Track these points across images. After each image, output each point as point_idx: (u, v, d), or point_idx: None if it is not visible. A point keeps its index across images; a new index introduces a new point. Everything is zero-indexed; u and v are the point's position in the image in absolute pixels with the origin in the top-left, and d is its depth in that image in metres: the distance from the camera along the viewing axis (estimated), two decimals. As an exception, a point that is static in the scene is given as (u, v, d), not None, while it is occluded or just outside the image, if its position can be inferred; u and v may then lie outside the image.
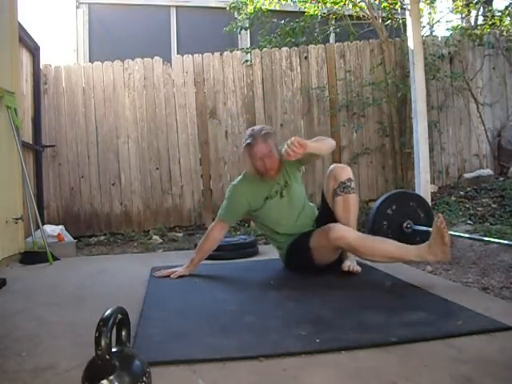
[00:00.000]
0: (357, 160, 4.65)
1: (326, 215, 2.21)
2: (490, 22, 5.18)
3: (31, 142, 3.99)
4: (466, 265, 2.63)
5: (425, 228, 2.69)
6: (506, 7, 5.19)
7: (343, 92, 4.65)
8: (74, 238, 3.72)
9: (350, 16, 5.16)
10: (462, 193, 4.57)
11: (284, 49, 4.71)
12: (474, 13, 6.05)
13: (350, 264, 2.11)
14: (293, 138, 1.94)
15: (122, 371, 0.89)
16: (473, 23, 5.95)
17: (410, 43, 3.37)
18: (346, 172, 2.21)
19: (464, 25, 5.58)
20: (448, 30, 5.17)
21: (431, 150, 4.41)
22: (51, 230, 3.42)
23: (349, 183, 2.18)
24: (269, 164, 2.14)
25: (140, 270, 2.48)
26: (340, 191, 2.17)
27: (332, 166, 2.30)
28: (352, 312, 1.59)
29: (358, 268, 2.12)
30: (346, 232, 2.00)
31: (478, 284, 2.21)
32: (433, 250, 1.89)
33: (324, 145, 2.20)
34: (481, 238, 2.78)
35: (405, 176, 4.53)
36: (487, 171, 4.82)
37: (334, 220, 2.13)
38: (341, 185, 2.18)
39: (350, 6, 5.05)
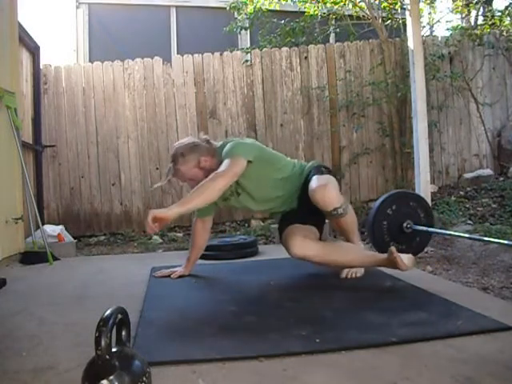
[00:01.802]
0: (357, 160, 4.65)
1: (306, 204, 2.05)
2: (489, 22, 5.18)
3: (31, 142, 3.98)
4: (466, 265, 2.64)
5: (425, 228, 2.70)
6: (506, 7, 5.19)
7: (343, 92, 4.65)
8: (74, 238, 3.72)
9: (350, 16, 5.15)
10: (461, 193, 4.58)
11: (284, 49, 4.71)
12: (474, 13, 6.05)
13: (348, 271, 2.10)
14: (149, 216, 1.71)
15: (122, 371, 0.89)
16: (473, 23, 5.95)
17: (410, 43, 3.37)
18: (330, 202, 1.89)
19: (464, 25, 5.58)
20: (448, 30, 5.17)
21: (431, 150, 4.42)
22: (51, 229, 3.42)
23: (334, 212, 1.91)
24: (199, 179, 1.97)
25: (140, 270, 2.47)
26: (328, 218, 2.05)
27: (311, 187, 1.92)
28: (352, 312, 1.59)
29: (358, 272, 2.08)
30: (306, 251, 1.90)
31: (477, 284, 2.22)
32: (387, 265, 1.89)
33: (204, 193, 1.82)
34: (481, 238, 2.78)
35: (405, 176, 4.53)
36: (487, 171, 4.82)
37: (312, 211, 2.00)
38: (327, 214, 1.96)
39: (350, 5, 5.05)
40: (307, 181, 2.02)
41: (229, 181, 1.88)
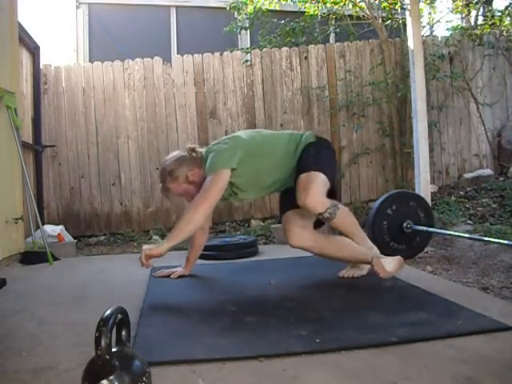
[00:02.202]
0: (357, 160, 4.65)
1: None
2: (489, 22, 5.18)
3: (31, 142, 3.98)
4: (465, 265, 2.64)
5: (425, 228, 2.70)
6: (506, 7, 5.19)
7: (343, 92, 4.65)
8: (74, 238, 3.73)
9: (350, 16, 5.15)
10: (461, 193, 4.58)
11: (284, 49, 4.71)
12: (474, 13, 6.05)
13: (346, 271, 2.09)
14: (142, 254, 1.89)
15: (122, 371, 0.89)
16: (473, 23, 5.95)
17: (410, 43, 3.37)
18: (313, 208, 1.87)
19: (464, 25, 5.58)
20: (448, 30, 5.17)
21: (431, 150, 4.42)
22: (51, 229, 3.42)
23: (321, 217, 1.91)
24: (192, 192, 2.01)
25: (140, 270, 2.45)
26: (325, 219, 1.98)
27: (297, 191, 1.90)
28: (352, 312, 1.59)
29: (357, 273, 2.08)
30: (302, 243, 1.98)
31: (477, 284, 2.22)
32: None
33: (189, 224, 1.87)
34: (481, 238, 2.78)
35: (405, 176, 4.53)
36: (487, 171, 4.82)
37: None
38: (320, 216, 1.92)
39: (350, 5, 5.05)
40: (301, 158, 2.01)
41: (211, 204, 1.89)
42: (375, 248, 2.07)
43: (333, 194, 2.01)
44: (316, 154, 2.01)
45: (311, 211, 1.89)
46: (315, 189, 1.88)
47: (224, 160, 1.94)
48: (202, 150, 2.11)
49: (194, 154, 2.08)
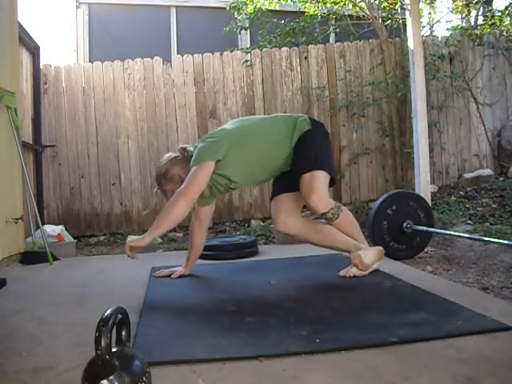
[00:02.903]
0: (357, 160, 4.65)
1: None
2: (489, 22, 5.19)
3: (31, 142, 3.98)
4: (465, 265, 2.64)
5: (425, 228, 2.70)
6: (506, 7, 5.20)
7: (343, 92, 4.65)
8: (74, 238, 3.72)
9: (350, 16, 5.16)
10: (461, 193, 4.58)
11: (284, 49, 4.71)
12: (474, 13, 6.05)
13: (346, 271, 2.09)
14: (126, 246, 1.93)
15: (122, 371, 0.89)
16: (473, 23, 5.96)
17: (410, 43, 3.37)
18: (316, 209, 1.93)
19: (464, 25, 5.58)
20: (448, 30, 5.17)
21: (431, 150, 4.42)
22: (51, 229, 3.42)
23: (325, 217, 1.97)
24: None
25: (140, 270, 2.47)
26: (324, 219, 2.04)
27: (301, 190, 1.96)
28: (352, 312, 1.59)
29: (358, 273, 2.08)
30: (288, 230, 2.06)
31: (477, 284, 2.22)
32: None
33: (170, 215, 1.90)
34: (481, 238, 2.79)
35: (405, 176, 4.53)
36: (487, 171, 4.82)
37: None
38: (320, 217, 2.00)
39: (350, 5, 5.05)
40: (300, 151, 2.01)
41: (192, 198, 1.91)
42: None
43: (332, 181, 2.07)
44: (315, 148, 2.02)
45: (315, 211, 1.94)
46: (319, 190, 1.93)
47: (208, 153, 1.97)
48: (192, 148, 2.13)
49: (185, 154, 2.10)
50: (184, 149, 2.11)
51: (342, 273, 2.09)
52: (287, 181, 2.07)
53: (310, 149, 2.01)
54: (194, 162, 1.97)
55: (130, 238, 1.98)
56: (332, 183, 2.06)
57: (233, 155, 1.99)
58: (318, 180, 1.94)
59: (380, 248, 2.09)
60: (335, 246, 2.11)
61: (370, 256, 2.02)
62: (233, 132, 2.06)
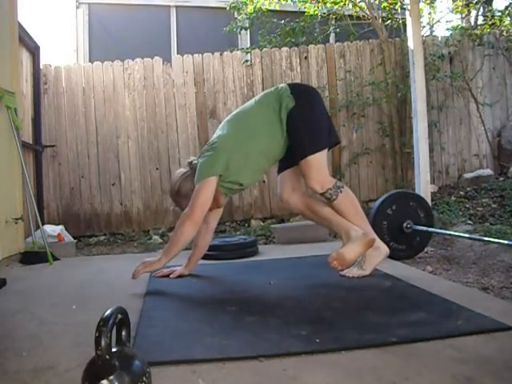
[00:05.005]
0: (357, 160, 4.65)
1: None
2: (489, 22, 5.19)
3: (31, 142, 3.99)
4: (465, 265, 2.64)
5: (425, 228, 2.69)
6: (506, 7, 5.20)
7: (343, 92, 4.65)
8: (74, 238, 3.73)
9: (350, 16, 5.16)
10: (462, 193, 4.58)
11: (284, 49, 4.71)
12: (474, 13, 6.05)
13: (348, 271, 2.09)
14: (141, 266, 2.04)
15: (122, 371, 0.89)
16: (473, 23, 5.96)
17: (410, 43, 3.37)
18: (319, 187, 2.02)
19: (464, 25, 5.58)
20: (448, 30, 5.17)
21: (431, 150, 4.42)
22: (51, 229, 3.42)
23: (327, 195, 2.04)
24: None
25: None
26: (326, 199, 2.08)
27: (302, 172, 2.06)
28: (352, 312, 1.59)
29: (358, 273, 2.08)
30: (290, 204, 2.18)
31: (478, 284, 2.22)
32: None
33: (180, 238, 2.01)
34: (481, 238, 2.78)
35: (405, 176, 4.54)
36: (487, 171, 4.82)
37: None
38: (322, 196, 2.06)
39: (350, 5, 5.05)
40: (289, 127, 2.02)
41: (200, 214, 1.99)
42: (371, 234, 2.07)
43: (334, 144, 2.23)
44: (305, 127, 2.02)
45: (314, 192, 2.06)
46: (315, 173, 2.02)
47: (208, 169, 2.02)
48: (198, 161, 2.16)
49: (193, 167, 2.14)
50: (190, 163, 2.18)
51: (343, 272, 2.09)
52: (290, 155, 2.11)
53: (301, 131, 2.02)
54: (196, 179, 2.03)
55: (148, 259, 2.10)
56: (334, 145, 2.23)
57: (236, 161, 2.03)
58: (314, 165, 2.02)
59: (369, 238, 2.00)
60: (329, 226, 2.19)
61: (352, 250, 1.97)
62: (229, 138, 2.08)
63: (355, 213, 2.10)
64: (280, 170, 2.23)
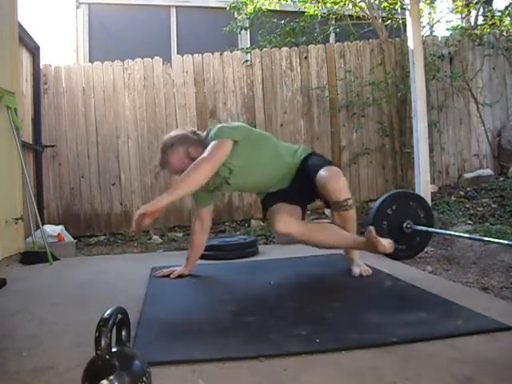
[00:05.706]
0: (357, 160, 4.65)
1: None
2: (489, 22, 5.18)
3: (31, 142, 3.98)
4: (465, 265, 2.64)
5: (425, 228, 2.70)
6: (506, 7, 5.19)
7: (343, 92, 4.65)
8: (74, 238, 3.72)
9: (350, 16, 5.15)
10: (461, 193, 4.58)
11: (284, 49, 4.71)
12: (474, 13, 6.04)
13: (360, 268, 2.09)
14: (139, 211, 1.75)
15: (122, 371, 0.89)
16: (473, 23, 5.95)
17: (410, 43, 3.37)
18: (343, 193, 1.93)
19: (464, 25, 5.57)
20: (448, 30, 5.17)
21: (431, 150, 4.41)
22: (51, 229, 3.42)
23: (345, 203, 1.95)
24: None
25: (140, 270, 2.47)
26: (336, 209, 2.01)
27: (324, 176, 1.95)
28: (352, 312, 1.59)
29: (368, 270, 2.09)
30: (290, 229, 1.96)
31: (477, 284, 2.22)
32: (367, 248, 1.95)
33: (191, 177, 1.86)
34: (481, 238, 2.78)
35: (405, 176, 4.53)
36: (487, 171, 4.82)
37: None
38: (337, 204, 1.97)
39: (350, 5, 5.05)
40: (306, 166, 2.07)
41: (215, 164, 1.90)
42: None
43: None
44: (321, 159, 2.14)
45: (340, 196, 1.92)
46: (339, 176, 1.96)
47: (228, 132, 2.00)
48: (203, 133, 2.15)
49: (195, 136, 2.12)
50: (194, 131, 2.15)
51: (357, 273, 2.08)
52: (283, 196, 2.08)
53: (318, 160, 2.11)
54: (213, 137, 1.97)
55: (145, 206, 1.81)
56: None
57: (245, 145, 2.00)
58: (336, 170, 1.99)
59: (390, 240, 1.98)
60: (342, 241, 2.03)
61: (385, 242, 1.93)
62: (249, 128, 2.16)
63: (355, 230, 2.10)
64: (269, 206, 2.11)
